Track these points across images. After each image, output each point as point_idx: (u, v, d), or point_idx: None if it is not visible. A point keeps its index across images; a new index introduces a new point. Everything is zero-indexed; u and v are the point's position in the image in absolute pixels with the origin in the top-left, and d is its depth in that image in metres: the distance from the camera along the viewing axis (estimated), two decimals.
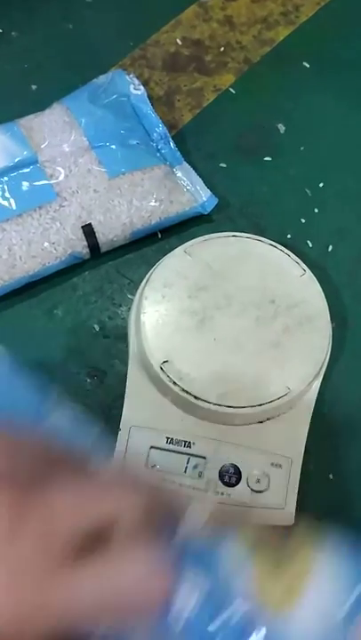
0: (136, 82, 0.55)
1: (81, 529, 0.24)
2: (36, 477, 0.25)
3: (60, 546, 0.24)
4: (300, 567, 0.31)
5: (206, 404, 0.47)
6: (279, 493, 0.46)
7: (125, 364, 0.48)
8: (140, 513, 0.25)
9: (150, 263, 0.49)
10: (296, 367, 0.47)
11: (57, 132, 0.50)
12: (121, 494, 0.26)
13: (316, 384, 0.48)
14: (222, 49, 0.61)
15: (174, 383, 0.47)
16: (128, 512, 0.25)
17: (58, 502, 0.24)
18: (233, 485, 0.46)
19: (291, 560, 0.31)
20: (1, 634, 0.22)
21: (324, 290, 0.49)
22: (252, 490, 0.46)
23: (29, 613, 0.23)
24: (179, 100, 0.59)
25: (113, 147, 0.51)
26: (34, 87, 0.57)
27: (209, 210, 0.53)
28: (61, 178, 0.49)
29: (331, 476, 0.49)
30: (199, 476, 0.46)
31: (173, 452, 0.47)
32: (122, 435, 0.47)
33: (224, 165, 0.57)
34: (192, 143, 0.57)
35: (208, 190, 0.53)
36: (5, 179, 0.48)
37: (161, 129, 0.54)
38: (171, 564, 0.25)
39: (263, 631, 0.28)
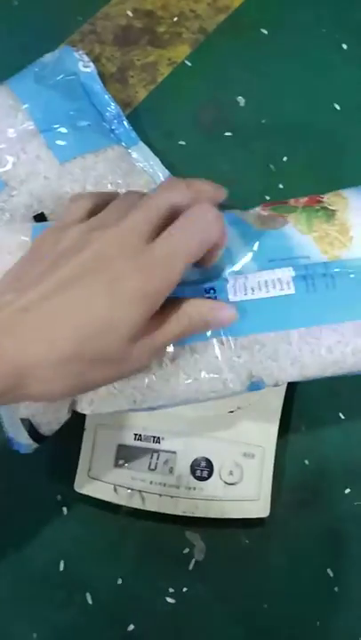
0: (85, 59, 0.52)
1: (158, 216, 0.33)
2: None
3: (151, 226, 0.33)
4: (342, 212, 0.40)
5: None
6: (253, 484, 0.45)
7: None
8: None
9: None
10: None
11: (1, 117, 0.47)
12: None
13: None
14: (176, 19, 0.57)
15: None
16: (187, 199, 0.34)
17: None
18: (205, 479, 0.45)
19: (333, 214, 0.39)
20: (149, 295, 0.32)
21: None
22: (225, 482, 0.45)
23: (157, 274, 0.32)
24: (132, 77, 0.56)
25: (63, 130, 0.48)
26: None
27: None
28: (9, 166, 0.46)
29: (306, 462, 0.48)
30: (170, 471, 0.45)
31: (142, 448, 0.45)
32: (87, 434, 0.45)
33: (183, 143, 0.54)
34: (148, 121, 0.54)
35: (167, 170, 0.51)
36: None
37: (113, 108, 0.51)
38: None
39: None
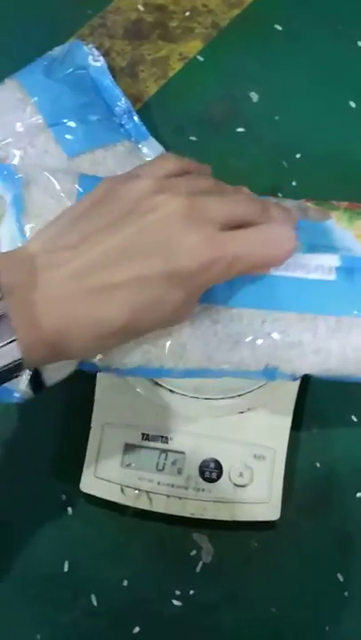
0: (95, 53, 0.51)
1: (232, 215, 0.33)
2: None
3: (216, 218, 0.33)
4: None
5: (182, 396, 0.44)
6: (263, 486, 0.44)
7: None
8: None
9: None
10: None
11: (9, 111, 0.46)
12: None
13: None
14: (188, 13, 0.57)
15: None
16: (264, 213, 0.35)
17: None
18: (214, 481, 0.44)
19: None
20: (203, 267, 0.32)
21: None
22: (234, 484, 0.44)
23: (218, 253, 0.32)
24: (143, 71, 0.55)
25: (71, 124, 0.47)
26: None
27: None
28: (16, 160, 0.46)
29: (318, 465, 0.47)
30: (178, 472, 0.44)
31: (150, 448, 0.44)
32: (93, 433, 0.45)
33: (194, 139, 0.53)
34: (159, 116, 0.54)
35: None
36: None
37: (123, 102, 0.50)
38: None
39: None
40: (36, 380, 0.35)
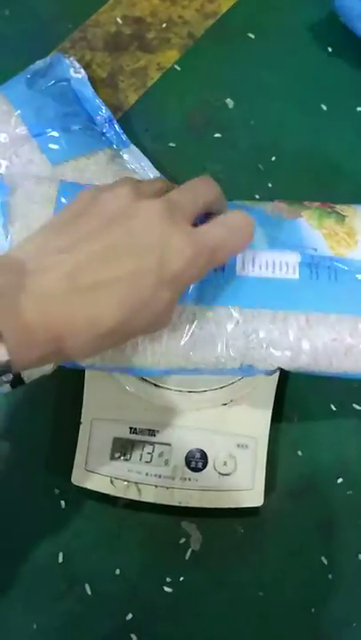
0: (76, 65, 0.53)
1: (198, 209, 0.36)
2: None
3: (187, 213, 0.35)
4: (351, 218, 0.42)
5: (167, 390, 0.46)
6: (246, 474, 0.46)
7: None
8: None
9: None
10: None
11: None
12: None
13: None
14: (165, 25, 0.59)
15: None
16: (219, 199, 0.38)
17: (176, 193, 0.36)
18: (200, 470, 0.46)
19: (343, 218, 0.42)
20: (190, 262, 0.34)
21: None
22: (219, 473, 0.46)
23: (199, 249, 0.34)
24: (122, 81, 0.57)
25: (55, 133, 0.49)
26: None
27: None
28: (2, 170, 0.48)
29: (300, 453, 0.49)
30: (165, 463, 0.46)
31: (138, 441, 0.46)
32: (83, 428, 0.46)
33: (173, 145, 0.55)
34: (139, 124, 0.56)
35: (157, 172, 0.52)
36: None
37: (104, 112, 0.52)
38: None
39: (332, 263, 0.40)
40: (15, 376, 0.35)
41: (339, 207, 0.43)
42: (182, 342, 0.38)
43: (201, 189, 0.37)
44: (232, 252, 0.37)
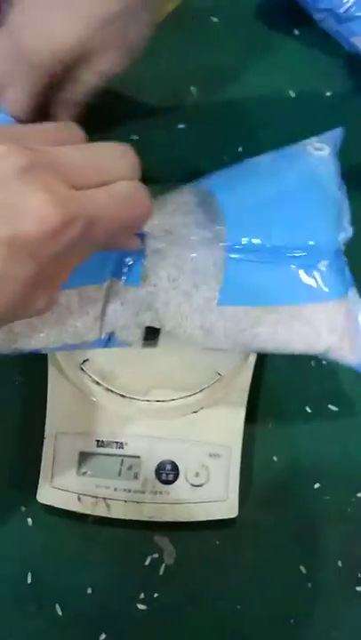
0: None
1: (89, 169, 0.30)
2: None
3: (69, 175, 0.29)
4: None
5: (135, 400, 0.44)
6: (220, 485, 0.44)
7: (44, 367, 0.45)
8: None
9: None
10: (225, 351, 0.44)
11: None
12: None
13: (249, 365, 0.45)
14: None
15: (97, 383, 0.44)
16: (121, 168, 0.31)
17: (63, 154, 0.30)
18: (171, 482, 0.44)
19: None
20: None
21: None
22: (191, 485, 0.44)
23: (70, 214, 0.28)
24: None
25: None
26: None
27: None
28: None
29: (275, 458, 0.47)
30: (135, 477, 0.44)
31: (105, 455, 0.44)
32: (47, 443, 0.44)
33: (136, 137, 0.53)
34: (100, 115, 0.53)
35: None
36: None
37: None
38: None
39: None
40: None
41: None
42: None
43: (107, 157, 0.31)
44: (119, 226, 0.31)
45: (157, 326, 0.38)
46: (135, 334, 0.38)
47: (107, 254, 0.37)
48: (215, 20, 0.56)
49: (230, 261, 0.37)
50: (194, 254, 0.38)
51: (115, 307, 0.37)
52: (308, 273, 0.38)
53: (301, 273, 0.38)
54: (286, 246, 0.37)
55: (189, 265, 0.38)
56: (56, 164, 0.29)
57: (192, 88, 0.54)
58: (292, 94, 0.54)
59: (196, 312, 0.37)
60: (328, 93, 0.54)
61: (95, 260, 0.33)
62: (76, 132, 0.33)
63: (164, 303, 0.37)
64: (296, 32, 0.55)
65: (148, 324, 0.38)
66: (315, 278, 0.38)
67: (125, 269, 0.37)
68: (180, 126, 0.53)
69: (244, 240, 0.37)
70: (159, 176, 0.51)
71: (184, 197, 0.40)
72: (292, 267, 0.38)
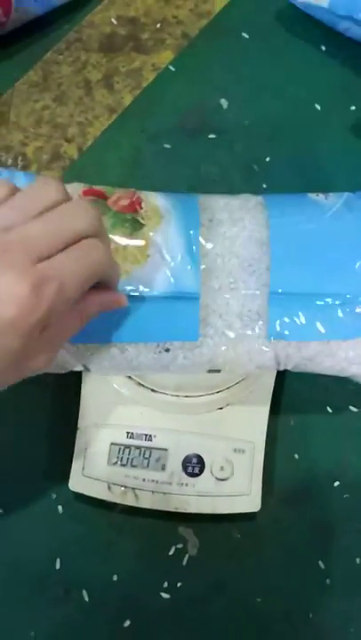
0: None
1: (55, 239, 0.31)
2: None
3: (34, 247, 0.30)
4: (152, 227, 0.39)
5: (164, 395, 0.46)
6: (244, 479, 0.45)
7: None
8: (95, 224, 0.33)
9: None
10: None
11: None
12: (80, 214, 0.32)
13: None
14: (159, 25, 0.58)
15: (129, 377, 0.46)
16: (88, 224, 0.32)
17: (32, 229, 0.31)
18: (197, 475, 0.46)
19: (141, 226, 0.39)
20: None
21: None
22: (216, 478, 0.45)
23: (38, 285, 0.29)
24: (118, 82, 0.57)
25: None
26: None
27: None
28: None
29: (296, 456, 0.48)
30: (162, 468, 0.46)
31: (134, 446, 0.46)
32: (80, 434, 0.46)
33: (168, 146, 0.55)
34: (134, 125, 0.55)
35: None
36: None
37: None
38: None
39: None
40: None
41: (143, 210, 0.40)
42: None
43: (71, 218, 0.32)
44: (88, 281, 0.32)
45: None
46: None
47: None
48: (246, 35, 0.58)
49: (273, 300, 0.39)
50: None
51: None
52: (345, 314, 0.39)
53: (340, 313, 0.39)
54: (327, 293, 0.39)
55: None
56: (20, 243, 0.30)
57: (222, 100, 0.56)
58: (318, 107, 0.56)
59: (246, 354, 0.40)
60: (353, 107, 0.56)
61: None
62: (49, 189, 0.32)
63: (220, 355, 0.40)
64: (323, 47, 0.57)
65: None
66: (352, 318, 0.39)
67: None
68: (211, 136, 0.55)
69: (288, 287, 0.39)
70: (191, 184, 0.53)
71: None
72: (331, 308, 0.39)
